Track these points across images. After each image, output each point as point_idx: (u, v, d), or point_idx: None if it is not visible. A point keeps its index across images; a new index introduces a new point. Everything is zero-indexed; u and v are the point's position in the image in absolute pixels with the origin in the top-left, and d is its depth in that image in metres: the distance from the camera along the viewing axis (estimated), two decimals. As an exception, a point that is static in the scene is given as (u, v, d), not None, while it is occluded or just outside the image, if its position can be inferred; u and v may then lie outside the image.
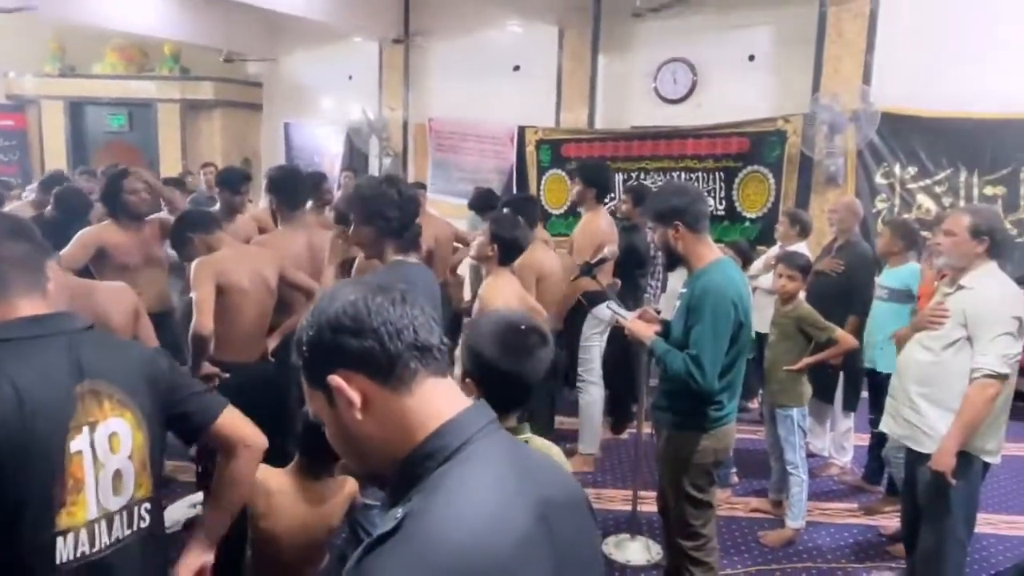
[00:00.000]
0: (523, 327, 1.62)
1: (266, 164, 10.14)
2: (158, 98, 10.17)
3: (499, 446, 0.92)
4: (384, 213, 2.50)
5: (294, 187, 3.59)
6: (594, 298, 4.20)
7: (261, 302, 3.05)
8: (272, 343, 3.14)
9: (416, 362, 0.91)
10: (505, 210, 4.14)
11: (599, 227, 4.37)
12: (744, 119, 6.57)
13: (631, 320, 2.83)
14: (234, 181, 4.33)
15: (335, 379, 0.89)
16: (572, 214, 7.57)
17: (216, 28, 9.10)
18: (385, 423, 0.90)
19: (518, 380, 1.59)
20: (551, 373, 4.54)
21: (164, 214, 4.01)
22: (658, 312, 3.04)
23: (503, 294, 3.10)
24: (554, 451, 1.87)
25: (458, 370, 1.63)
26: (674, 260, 2.66)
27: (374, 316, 0.90)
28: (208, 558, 1.58)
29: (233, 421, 1.57)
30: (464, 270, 5.87)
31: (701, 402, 2.54)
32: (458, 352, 1.68)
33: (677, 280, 4.36)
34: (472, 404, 0.95)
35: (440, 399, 0.92)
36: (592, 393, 4.41)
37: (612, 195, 6.63)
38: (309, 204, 4.75)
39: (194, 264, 2.90)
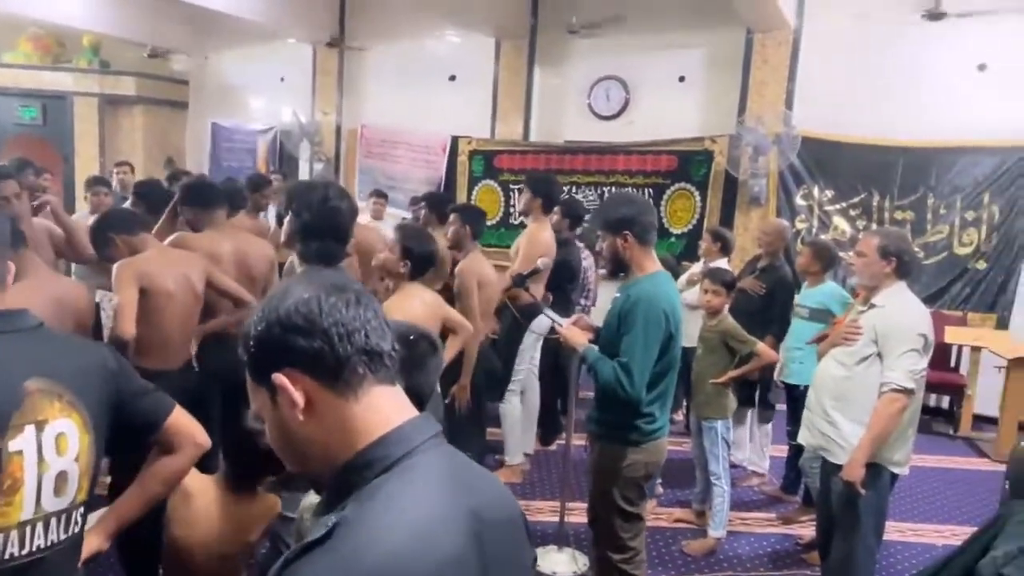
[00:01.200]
0: (411, 336, 1.57)
1: (191, 164, 9.84)
2: (75, 91, 9.73)
3: (441, 460, 0.92)
4: (298, 212, 2.41)
5: (206, 192, 3.50)
6: (528, 312, 4.22)
7: (186, 306, 2.96)
8: (191, 347, 3.06)
9: (364, 367, 0.90)
10: (453, 215, 4.14)
11: (544, 238, 4.41)
12: (673, 137, 6.78)
13: (566, 326, 2.86)
14: (155, 200, 3.96)
15: (280, 378, 0.88)
16: (504, 226, 7.64)
17: (141, 21, 8.80)
18: (327, 427, 0.89)
19: (410, 394, 1.53)
20: (482, 386, 4.47)
21: (50, 223, 3.68)
22: None
23: (407, 310, 2.96)
24: None
25: None
26: (618, 269, 2.70)
27: (326, 316, 0.89)
28: (105, 547, 1.54)
29: (184, 419, 1.55)
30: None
31: (633, 415, 2.58)
32: None
33: (609, 294, 4.43)
34: (417, 416, 0.94)
35: (386, 407, 0.92)
36: (512, 402, 4.46)
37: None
38: (242, 210, 4.64)
39: (116, 266, 2.79)
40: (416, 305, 3.01)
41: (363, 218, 6.28)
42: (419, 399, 1.53)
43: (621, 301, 2.60)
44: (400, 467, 0.88)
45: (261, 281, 3.49)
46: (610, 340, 2.61)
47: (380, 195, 7.14)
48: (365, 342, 0.90)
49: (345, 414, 0.89)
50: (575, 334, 2.78)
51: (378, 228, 5.56)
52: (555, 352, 4.56)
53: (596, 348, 2.66)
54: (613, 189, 7.05)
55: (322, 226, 2.40)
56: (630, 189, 6.95)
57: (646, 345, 2.49)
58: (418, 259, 3.00)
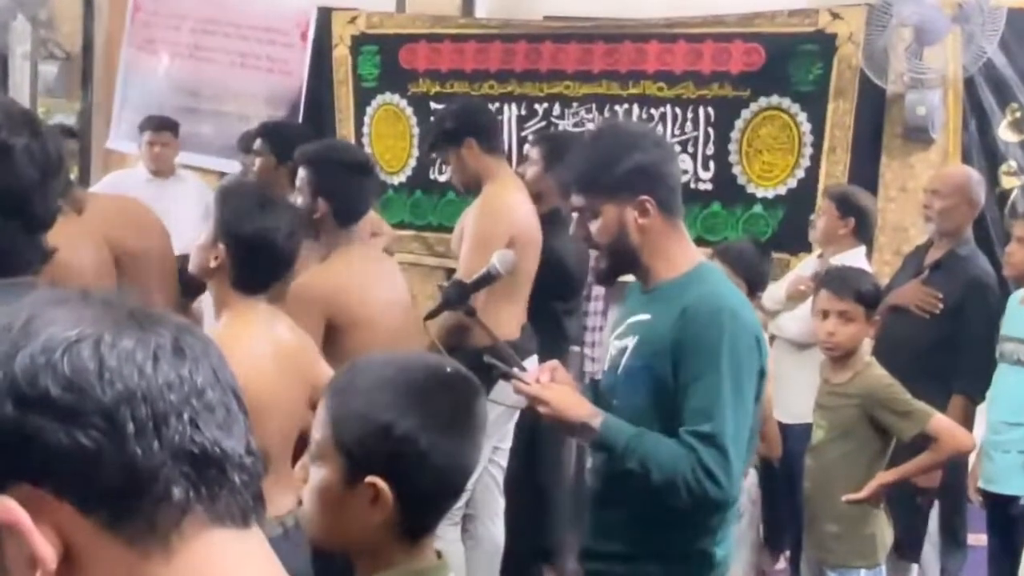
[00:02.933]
0: (448, 370, 1.86)
1: None
2: None
3: None
4: None
5: None
6: (482, 364, 4.07)
7: None
8: None
9: (187, 489, 0.87)
10: (300, 172, 4.06)
11: (508, 210, 4.46)
12: (756, 10, 6.85)
13: (542, 385, 2.83)
14: None
15: (8, 506, 0.85)
16: (421, 186, 7.66)
17: None
18: None
19: (457, 465, 1.81)
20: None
21: None
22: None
23: (248, 355, 2.98)
24: None
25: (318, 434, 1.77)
26: (621, 267, 2.80)
27: (109, 380, 0.85)
28: None
29: None
30: (208, 301, 5.80)
31: (695, 532, 2.66)
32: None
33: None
34: None
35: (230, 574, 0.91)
36: (447, 538, 4.43)
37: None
38: None
39: None
40: (252, 347, 3.05)
41: (130, 179, 6.35)
42: (463, 472, 1.84)
43: (672, 320, 2.64)
44: None
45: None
46: (646, 399, 2.68)
47: (163, 127, 7.12)
48: (191, 436, 0.88)
49: None
50: (567, 399, 2.77)
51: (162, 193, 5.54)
52: (530, 438, 4.58)
53: (615, 417, 2.70)
54: (635, 109, 7.06)
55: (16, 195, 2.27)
56: (668, 109, 6.99)
57: (738, 395, 2.58)
58: (244, 247, 3.07)
